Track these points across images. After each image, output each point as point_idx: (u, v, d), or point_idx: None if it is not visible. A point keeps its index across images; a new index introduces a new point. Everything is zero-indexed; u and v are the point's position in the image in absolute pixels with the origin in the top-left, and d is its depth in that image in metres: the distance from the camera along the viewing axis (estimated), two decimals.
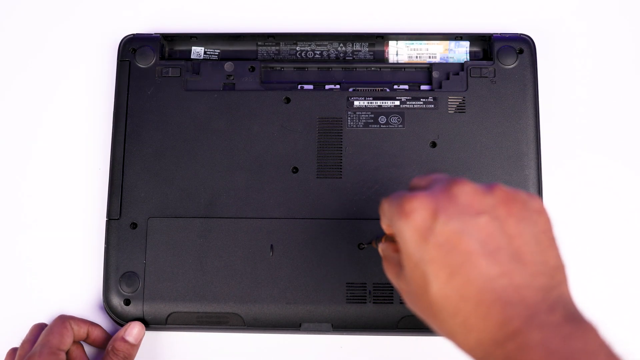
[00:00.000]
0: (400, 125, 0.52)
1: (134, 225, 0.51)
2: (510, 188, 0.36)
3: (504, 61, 0.53)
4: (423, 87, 0.53)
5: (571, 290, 0.34)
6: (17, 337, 0.52)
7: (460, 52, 0.55)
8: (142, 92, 0.53)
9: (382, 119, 0.52)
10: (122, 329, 0.49)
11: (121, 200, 0.51)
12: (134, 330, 0.49)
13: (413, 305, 0.36)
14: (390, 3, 0.57)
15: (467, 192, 0.35)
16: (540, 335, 0.31)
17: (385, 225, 0.40)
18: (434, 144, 0.51)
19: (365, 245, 0.49)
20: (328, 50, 0.55)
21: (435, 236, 0.34)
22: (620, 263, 0.52)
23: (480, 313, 0.32)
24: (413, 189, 0.38)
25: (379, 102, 0.52)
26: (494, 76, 0.52)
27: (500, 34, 0.54)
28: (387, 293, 0.49)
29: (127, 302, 0.50)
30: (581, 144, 0.54)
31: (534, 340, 0.31)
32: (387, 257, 0.40)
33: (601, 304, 0.50)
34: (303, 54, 0.55)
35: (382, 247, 0.41)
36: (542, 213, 0.35)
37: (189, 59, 0.55)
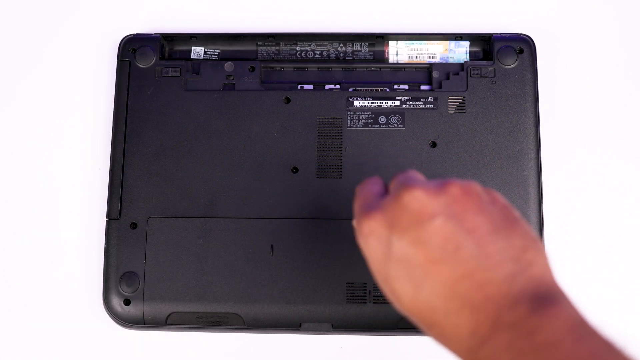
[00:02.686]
0: (400, 125, 0.52)
1: (134, 225, 0.51)
2: (464, 181, 0.34)
3: (504, 61, 0.53)
4: (423, 87, 0.53)
5: (546, 264, 0.32)
6: (16, 337, 0.52)
7: (460, 52, 0.55)
8: (142, 92, 0.53)
9: (382, 119, 0.52)
10: None
11: (121, 200, 0.51)
12: None
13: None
14: (390, 3, 0.57)
15: (417, 197, 0.33)
16: (507, 337, 0.30)
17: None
18: (434, 144, 0.51)
19: None
20: (328, 50, 0.55)
21: (393, 253, 0.33)
22: (620, 263, 0.52)
23: (452, 322, 0.32)
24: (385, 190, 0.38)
25: (379, 102, 0.52)
26: (494, 76, 0.52)
27: (500, 34, 0.54)
28: None
29: (127, 302, 0.50)
30: (581, 144, 0.54)
31: (501, 345, 0.30)
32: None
33: (602, 305, 0.50)
34: (303, 54, 0.55)
35: None
36: (496, 201, 0.35)
37: (189, 59, 0.55)
